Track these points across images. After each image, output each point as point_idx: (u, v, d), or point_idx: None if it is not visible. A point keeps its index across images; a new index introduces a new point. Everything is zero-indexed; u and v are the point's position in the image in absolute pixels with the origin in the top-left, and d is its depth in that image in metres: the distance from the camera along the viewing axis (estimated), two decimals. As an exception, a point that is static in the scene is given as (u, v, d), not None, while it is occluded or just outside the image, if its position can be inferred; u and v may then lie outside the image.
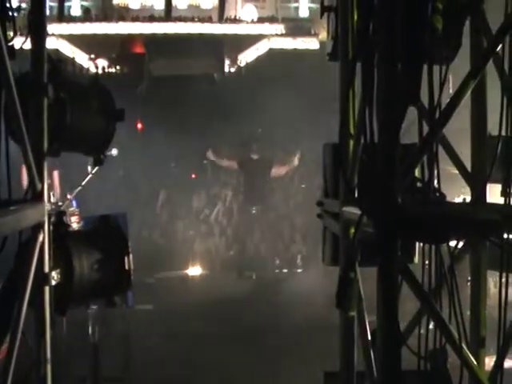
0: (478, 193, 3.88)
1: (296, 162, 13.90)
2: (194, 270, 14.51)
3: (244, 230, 13.99)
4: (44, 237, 4.03)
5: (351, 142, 3.85)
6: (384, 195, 3.03)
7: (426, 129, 3.41)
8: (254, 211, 13.60)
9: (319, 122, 14.84)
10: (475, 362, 3.39)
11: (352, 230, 3.74)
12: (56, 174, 9.97)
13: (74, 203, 9.73)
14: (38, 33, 3.94)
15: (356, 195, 3.60)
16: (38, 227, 3.97)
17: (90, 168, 12.97)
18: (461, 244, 3.98)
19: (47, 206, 4.06)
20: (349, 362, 3.93)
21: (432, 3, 3.05)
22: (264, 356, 8.68)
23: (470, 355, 3.36)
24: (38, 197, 3.95)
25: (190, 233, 15.24)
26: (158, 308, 11.09)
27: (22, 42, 3.86)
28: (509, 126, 3.48)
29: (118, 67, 17.81)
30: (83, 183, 8.26)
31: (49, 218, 4.09)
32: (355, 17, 3.69)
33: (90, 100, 4.57)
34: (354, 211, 3.66)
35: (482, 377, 3.37)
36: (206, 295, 12.31)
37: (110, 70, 17.53)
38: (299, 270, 14.98)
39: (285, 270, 14.79)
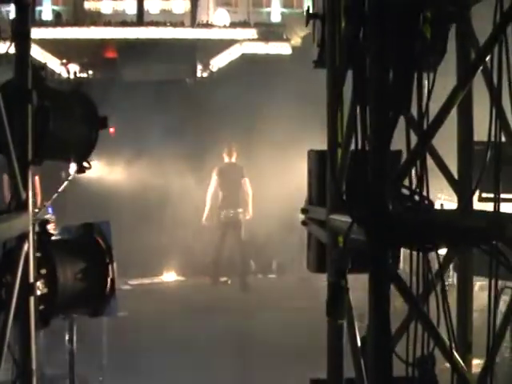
0: (465, 200, 3.90)
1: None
2: (169, 276, 14.47)
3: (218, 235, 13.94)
4: (29, 246, 3.99)
5: (338, 150, 3.88)
6: (375, 203, 3.04)
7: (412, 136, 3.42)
8: (231, 214, 13.56)
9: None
10: (465, 368, 3.40)
11: (340, 238, 3.76)
12: (37, 179, 9.85)
13: (50, 210, 9.64)
14: (21, 39, 3.90)
15: (344, 203, 3.60)
16: (23, 237, 3.93)
17: (63, 174, 12.93)
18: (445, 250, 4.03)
19: (31, 215, 4.02)
20: (337, 369, 3.92)
21: (423, 13, 3.07)
22: (241, 363, 8.66)
23: (461, 361, 3.37)
24: (22, 206, 3.91)
25: (164, 238, 15.16)
26: (132, 315, 11.03)
27: (6, 49, 3.83)
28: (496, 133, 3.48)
29: (90, 72, 17.68)
30: (59, 190, 8.15)
31: (33, 228, 4.06)
32: (343, 24, 3.69)
33: (73, 107, 4.55)
34: (341, 219, 3.66)
35: (472, 382, 3.38)
36: (181, 302, 12.29)
37: (82, 74, 17.39)
38: (274, 276, 15.01)
39: (260, 276, 14.81)
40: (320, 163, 4.36)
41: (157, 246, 14.90)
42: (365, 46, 3.17)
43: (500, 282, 4.71)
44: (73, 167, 9.13)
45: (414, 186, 3.33)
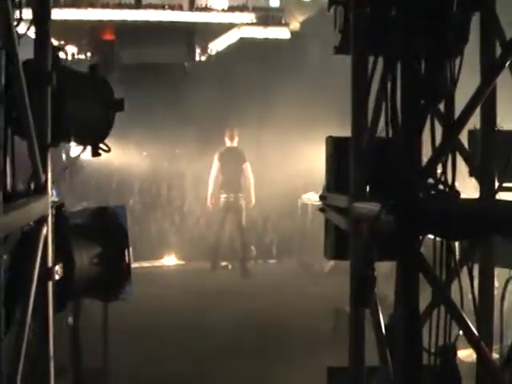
0: (487, 189, 3.89)
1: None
2: (169, 260, 14.45)
3: (219, 220, 13.90)
4: (48, 230, 3.94)
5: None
6: (405, 191, 3.02)
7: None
8: (231, 199, 13.51)
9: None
10: (492, 357, 3.39)
11: (364, 225, 3.73)
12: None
13: (55, 193, 9.56)
14: (41, 20, 3.84)
15: (372, 190, 3.58)
16: (42, 220, 3.88)
17: (64, 156, 12.87)
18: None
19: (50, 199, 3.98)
20: (359, 357, 3.91)
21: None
22: (241, 350, 8.66)
23: (487, 350, 3.36)
24: (42, 189, 3.86)
25: (164, 223, 15.16)
26: (133, 299, 10.99)
27: (25, 29, 3.77)
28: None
29: (87, 54, 17.51)
30: (63, 173, 8.10)
31: (52, 211, 4.01)
32: (368, 10, 3.65)
33: (89, 89, 4.49)
34: (365, 206, 3.64)
35: (499, 371, 3.37)
36: (181, 286, 12.28)
37: (80, 56, 17.23)
38: (274, 261, 15.00)
39: (260, 261, 14.79)
40: (338, 150, 4.33)
41: (158, 230, 14.89)
42: (393, 31, 3.13)
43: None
44: (75, 149, 9.09)
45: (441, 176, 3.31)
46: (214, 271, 13.57)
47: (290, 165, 14.93)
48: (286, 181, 14.72)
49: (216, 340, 8.94)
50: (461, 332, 3.35)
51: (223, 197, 13.53)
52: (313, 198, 14.12)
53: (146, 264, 13.35)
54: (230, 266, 14.00)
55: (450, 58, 3.10)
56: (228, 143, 13.85)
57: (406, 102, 2.95)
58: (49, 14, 3.88)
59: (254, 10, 19.92)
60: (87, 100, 4.41)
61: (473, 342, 3.29)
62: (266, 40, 19.13)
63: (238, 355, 8.39)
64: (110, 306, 8.12)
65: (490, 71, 3.57)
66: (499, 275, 4.52)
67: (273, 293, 11.82)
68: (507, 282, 4.27)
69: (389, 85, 3.13)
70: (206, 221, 15.29)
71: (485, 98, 3.41)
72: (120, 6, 19.22)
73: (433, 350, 3.48)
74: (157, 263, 14.16)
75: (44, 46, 3.87)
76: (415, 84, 2.93)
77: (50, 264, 3.99)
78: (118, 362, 7.75)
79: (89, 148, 4.63)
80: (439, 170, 3.30)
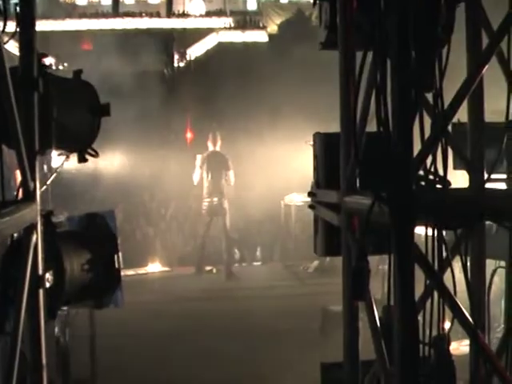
0: (477, 180, 3.92)
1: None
2: (154, 267, 14.40)
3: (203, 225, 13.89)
4: (37, 238, 3.91)
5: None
6: (400, 182, 3.02)
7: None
8: (215, 203, 13.51)
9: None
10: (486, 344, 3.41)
11: (356, 219, 3.74)
12: (18, 173, 9.65)
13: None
14: (27, 25, 3.81)
15: (365, 184, 3.58)
16: (32, 228, 3.85)
17: (45, 167, 12.77)
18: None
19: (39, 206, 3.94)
20: (353, 352, 3.91)
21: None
22: (228, 353, 8.66)
23: (484, 338, 3.38)
24: (31, 197, 3.83)
25: (148, 229, 15.12)
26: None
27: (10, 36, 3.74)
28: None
29: (65, 64, 17.48)
30: (49, 181, 8.04)
31: (41, 219, 3.97)
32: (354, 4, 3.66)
33: (75, 94, 4.46)
34: (357, 201, 3.65)
35: (495, 358, 3.39)
36: (166, 292, 12.26)
37: (59, 67, 17.19)
38: (258, 264, 15.00)
39: (244, 264, 14.78)
40: (327, 146, 4.34)
41: (141, 237, 14.84)
42: (383, 24, 3.14)
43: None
44: (57, 159, 9.00)
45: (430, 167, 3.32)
46: (199, 276, 13.57)
47: (272, 167, 14.96)
48: (268, 183, 14.74)
49: (204, 343, 8.95)
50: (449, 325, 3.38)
51: (207, 201, 13.53)
52: (295, 200, 14.16)
53: (130, 272, 13.28)
54: (214, 270, 14.01)
55: (439, 47, 3.11)
56: (211, 147, 13.84)
57: (398, 92, 2.95)
58: (33, 20, 3.85)
59: (232, 14, 20.02)
60: (73, 106, 4.38)
61: (468, 329, 3.30)
62: (245, 44, 19.19)
63: (226, 358, 8.39)
64: (95, 314, 8.11)
65: (477, 62, 3.60)
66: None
67: (258, 295, 11.86)
68: (493, 272, 4.31)
69: (378, 77, 3.13)
70: (189, 226, 15.27)
71: (472, 89, 3.42)
72: (97, 15, 19.23)
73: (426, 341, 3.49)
74: (141, 271, 14.10)
75: (30, 52, 3.84)
76: (406, 74, 2.94)
77: (40, 272, 3.95)
78: (104, 370, 7.72)
79: (72, 157, 4.61)
80: (429, 161, 3.31)
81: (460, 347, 6.36)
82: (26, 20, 3.81)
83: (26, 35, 3.81)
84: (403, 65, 2.98)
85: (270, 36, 19.25)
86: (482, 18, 3.90)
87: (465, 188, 3.93)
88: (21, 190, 3.89)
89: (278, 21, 19.79)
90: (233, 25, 19.57)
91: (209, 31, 19.41)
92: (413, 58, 3.00)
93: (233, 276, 13.46)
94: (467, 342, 5.51)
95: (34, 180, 3.86)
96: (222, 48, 18.80)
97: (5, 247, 4.00)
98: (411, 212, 3.00)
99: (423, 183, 3.32)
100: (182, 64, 19.29)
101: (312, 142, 4.67)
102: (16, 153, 3.64)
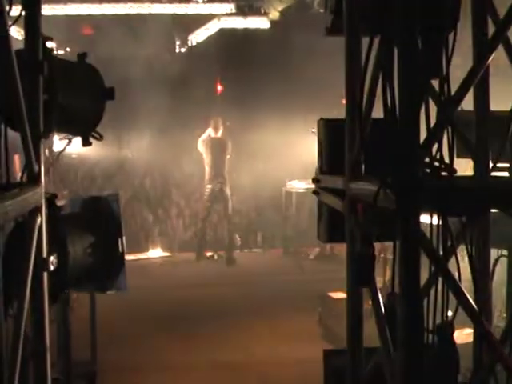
0: (482, 168, 3.91)
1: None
2: (155, 252, 14.41)
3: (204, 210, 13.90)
4: (41, 221, 3.91)
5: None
6: (406, 169, 3.01)
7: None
8: (217, 189, 13.51)
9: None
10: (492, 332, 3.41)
11: (361, 205, 3.73)
12: (17, 158, 9.67)
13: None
14: (32, 7, 3.79)
15: (371, 170, 3.57)
16: (36, 211, 3.85)
17: (47, 151, 12.77)
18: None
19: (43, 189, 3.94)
20: (357, 338, 3.91)
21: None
22: (228, 338, 8.68)
23: (488, 326, 3.38)
24: (35, 179, 3.83)
25: (149, 215, 15.12)
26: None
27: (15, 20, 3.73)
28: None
29: (67, 49, 17.42)
30: (49, 166, 8.04)
31: (45, 201, 3.98)
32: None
33: (79, 78, 4.45)
34: (362, 186, 3.64)
35: (499, 346, 3.39)
36: (167, 277, 12.28)
37: (60, 51, 17.13)
38: (259, 250, 15.00)
39: (245, 250, 14.79)
40: (331, 132, 4.32)
41: (142, 222, 14.84)
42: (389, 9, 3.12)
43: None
44: (58, 144, 9.00)
45: (436, 154, 3.32)
46: (200, 261, 13.58)
47: (273, 153, 14.96)
48: (270, 170, 14.75)
49: (204, 328, 8.97)
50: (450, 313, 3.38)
51: (208, 187, 13.52)
52: (297, 186, 14.15)
53: (131, 257, 13.27)
54: (215, 256, 14.00)
55: (446, 33, 3.09)
56: (212, 133, 13.81)
57: (404, 78, 2.94)
58: (39, 3, 3.84)
59: (234, 0, 19.89)
60: (78, 89, 4.38)
61: (472, 316, 3.30)
62: (246, 30, 19.09)
63: (224, 343, 8.41)
64: (96, 297, 8.12)
65: (483, 50, 3.58)
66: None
67: (259, 281, 11.88)
68: (496, 261, 4.32)
69: (383, 64, 3.11)
70: (190, 211, 15.28)
71: (478, 78, 3.40)
72: (99, 0, 19.13)
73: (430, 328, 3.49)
74: (142, 256, 14.11)
75: (35, 35, 3.83)
76: (413, 60, 2.92)
77: (44, 255, 3.95)
78: (105, 354, 7.72)
79: (74, 140, 4.60)
80: (434, 148, 3.30)
81: (462, 335, 6.37)
82: (32, 3, 3.79)
83: (32, 19, 3.79)
84: (410, 50, 2.96)
85: (272, 22, 19.13)
86: (488, 4, 3.88)
87: (470, 176, 3.92)
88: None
89: (280, 7, 19.68)
90: (234, 11, 19.45)
91: (210, 17, 19.27)
92: (419, 43, 2.99)
93: (234, 262, 13.47)
94: (468, 330, 5.54)
95: (38, 163, 3.86)
96: (223, 34, 18.70)
97: (9, 230, 4.00)
98: (417, 199, 2.99)
99: (429, 170, 3.32)
100: (183, 49, 19.20)
101: (315, 130, 4.66)
102: (21, 136, 3.64)
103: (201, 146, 13.66)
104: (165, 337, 8.73)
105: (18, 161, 10.62)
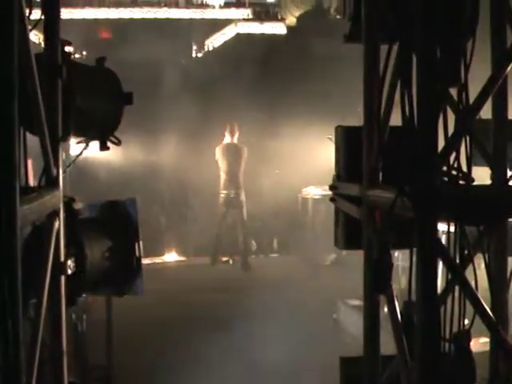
0: (500, 175, 3.90)
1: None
2: (170, 257, 14.44)
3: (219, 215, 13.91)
4: (59, 224, 3.93)
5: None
6: (423, 177, 3.01)
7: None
8: (232, 195, 13.52)
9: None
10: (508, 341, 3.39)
11: (378, 213, 3.74)
12: (30, 163, 9.67)
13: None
14: (51, 11, 3.82)
15: (388, 177, 3.57)
16: (54, 214, 3.87)
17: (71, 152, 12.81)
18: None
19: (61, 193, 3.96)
20: (374, 346, 3.91)
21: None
22: (242, 336, 8.69)
23: (505, 335, 3.37)
24: (53, 183, 3.85)
25: (165, 218, 15.14)
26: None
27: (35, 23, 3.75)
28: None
29: (84, 53, 17.50)
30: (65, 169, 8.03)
31: (63, 205, 4.00)
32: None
33: (98, 82, 4.47)
34: (379, 194, 3.64)
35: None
36: (182, 282, 12.30)
37: (77, 55, 17.20)
38: (275, 255, 15.00)
39: (261, 255, 14.80)
40: (348, 139, 4.33)
41: (157, 227, 14.87)
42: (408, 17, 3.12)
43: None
44: (75, 148, 9.04)
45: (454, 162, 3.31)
46: (215, 266, 13.59)
47: (289, 160, 14.95)
48: (286, 176, 14.74)
49: (218, 333, 8.97)
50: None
51: (223, 193, 13.54)
52: (313, 192, 14.15)
53: (146, 261, 13.29)
54: (230, 261, 14.02)
55: (464, 42, 3.09)
56: (228, 138, 13.84)
57: (422, 86, 2.94)
58: (58, 7, 3.87)
59: (250, 5, 19.93)
60: (96, 93, 4.40)
61: (489, 325, 3.29)
62: (263, 35, 19.11)
63: (236, 348, 8.40)
64: (112, 301, 8.15)
65: (501, 58, 3.57)
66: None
67: (274, 286, 11.85)
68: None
69: (402, 71, 3.12)
70: (206, 216, 15.29)
71: (497, 86, 3.40)
72: (116, 4, 19.22)
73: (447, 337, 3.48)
74: (157, 260, 14.15)
75: (54, 39, 3.86)
76: (431, 68, 2.93)
77: (62, 258, 3.97)
78: (121, 357, 7.75)
79: (92, 144, 4.62)
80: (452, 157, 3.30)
81: (478, 344, 6.34)
82: (51, 8, 3.82)
83: (51, 23, 3.82)
84: (428, 58, 2.96)
85: (288, 28, 19.15)
86: (507, 12, 3.88)
87: (487, 185, 3.91)
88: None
89: (297, 13, 19.70)
90: (251, 16, 19.48)
91: (227, 22, 19.31)
92: (438, 51, 2.99)
93: (249, 267, 13.47)
94: (484, 339, 5.51)
95: (56, 167, 3.88)
96: (240, 39, 18.71)
97: (27, 233, 4.02)
98: (434, 207, 2.99)
99: (446, 179, 3.32)
100: (199, 54, 19.24)
101: (332, 136, 4.66)
102: (39, 139, 3.65)
103: (217, 153, 13.69)
104: (179, 341, 8.73)
105: (30, 166, 10.66)
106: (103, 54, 4.87)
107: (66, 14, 17.62)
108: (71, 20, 17.57)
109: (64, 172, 6.80)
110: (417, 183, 3.01)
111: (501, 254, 4.07)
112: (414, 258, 3.11)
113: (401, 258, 8.34)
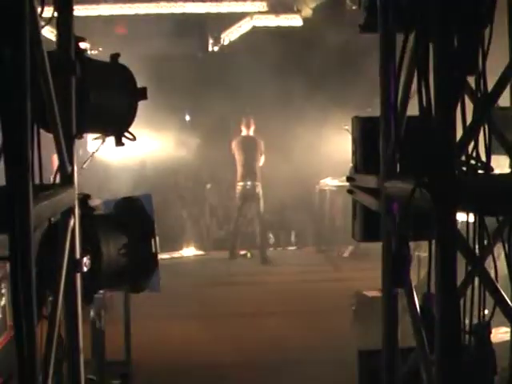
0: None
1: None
2: (188, 251, 14.44)
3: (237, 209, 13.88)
4: (75, 221, 3.91)
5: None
6: (442, 168, 2.96)
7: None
8: (248, 187, 13.48)
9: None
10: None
11: (396, 204, 3.69)
12: (55, 158, 9.68)
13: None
14: (64, 8, 3.80)
15: (406, 168, 3.53)
16: (69, 211, 3.85)
17: (80, 151, 12.84)
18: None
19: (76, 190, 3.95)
20: (392, 339, 3.87)
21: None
22: (262, 331, 8.68)
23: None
24: (68, 180, 3.83)
25: (183, 213, 15.14)
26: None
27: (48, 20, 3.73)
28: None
29: (100, 49, 17.50)
30: (84, 165, 8.02)
31: (78, 202, 3.98)
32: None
33: (112, 78, 4.45)
34: (397, 185, 3.59)
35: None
36: (201, 276, 12.30)
37: (93, 51, 17.21)
38: (293, 248, 14.97)
39: (279, 248, 14.77)
40: (365, 130, 4.28)
41: (176, 221, 14.87)
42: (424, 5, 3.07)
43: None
44: (91, 144, 9.05)
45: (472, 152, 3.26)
46: (233, 260, 13.57)
47: (307, 151, 14.89)
48: (303, 167, 14.67)
49: (237, 328, 8.96)
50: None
51: (240, 185, 13.51)
52: (330, 184, 14.09)
53: (165, 256, 13.31)
54: (248, 255, 14.00)
55: (482, 29, 3.03)
56: (244, 131, 13.82)
57: (440, 75, 2.88)
58: (71, 3, 3.85)
59: (266, -2, 19.84)
60: (110, 89, 4.38)
61: (510, 315, 3.24)
62: (279, 28, 19.03)
63: (254, 343, 8.38)
64: (130, 297, 8.13)
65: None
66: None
67: (293, 279, 11.86)
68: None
69: (419, 60, 3.06)
70: (224, 210, 15.28)
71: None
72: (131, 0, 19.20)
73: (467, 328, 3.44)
74: (176, 254, 14.15)
75: (67, 35, 3.83)
76: (450, 56, 2.87)
77: (77, 256, 3.96)
78: (139, 354, 7.73)
79: (108, 141, 4.60)
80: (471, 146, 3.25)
81: (497, 334, 6.29)
82: (64, 5, 3.79)
83: (64, 19, 3.80)
84: (446, 47, 2.91)
85: (305, 20, 19.03)
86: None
87: (507, 173, 3.85)
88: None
89: (313, 4, 19.58)
90: (267, 9, 19.38)
91: (243, 15, 19.22)
92: (455, 39, 2.93)
93: (268, 260, 13.45)
94: (505, 328, 5.45)
95: (71, 164, 3.86)
96: (256, 32, 18.64)
97: (42, 231, 4.01)
98: (454, 198, 2.94)
99: (465, 168, 3.27)
100: (215, 48, 19.19)
101: (348, 127, 4.62)
102: (54, 136, 3.63)
103: (233, 146, 13.67)
104: (197, 336, 8.72)
105: (55, 161, 10.66)
106: (119, 49, 4.85)
107: (81, 10, 17.65)
108: (87, 17, 17.57)
109: (82, 168, 6.79)
110: (435, 174, 2.95)
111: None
112: (433, 250, 3.06)
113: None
